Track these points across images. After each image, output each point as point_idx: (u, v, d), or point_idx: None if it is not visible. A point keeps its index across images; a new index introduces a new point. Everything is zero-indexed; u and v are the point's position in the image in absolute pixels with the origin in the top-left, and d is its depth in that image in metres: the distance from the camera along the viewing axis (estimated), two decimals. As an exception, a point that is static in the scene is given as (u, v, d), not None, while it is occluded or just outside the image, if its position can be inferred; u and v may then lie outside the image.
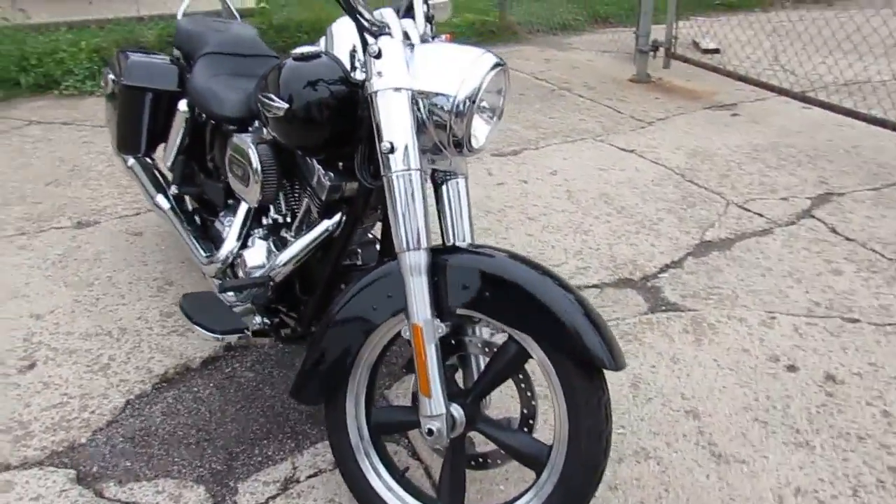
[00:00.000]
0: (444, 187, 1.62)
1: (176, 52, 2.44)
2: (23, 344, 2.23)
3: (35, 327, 2.31)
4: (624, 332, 2.27)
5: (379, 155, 1.41)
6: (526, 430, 1.51)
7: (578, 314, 1.37)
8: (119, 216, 3.04)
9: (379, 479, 1.58)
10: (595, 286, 2.54)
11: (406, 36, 1.52)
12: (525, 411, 1.52)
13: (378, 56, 1.41)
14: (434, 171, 1.61)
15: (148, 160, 2.50)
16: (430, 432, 1.41)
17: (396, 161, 1.39)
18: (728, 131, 4.03)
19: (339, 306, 1.54)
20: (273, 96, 1.60)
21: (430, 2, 1.79)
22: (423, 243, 1.41)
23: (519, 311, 1.40)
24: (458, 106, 1.39)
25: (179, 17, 2.53)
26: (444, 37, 1.84)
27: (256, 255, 1.90)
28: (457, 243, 1.59)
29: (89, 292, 2.50)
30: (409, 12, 1.70)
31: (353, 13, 1.43)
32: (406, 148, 1.40)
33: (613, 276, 2.60)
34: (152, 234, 2.85)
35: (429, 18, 1.80)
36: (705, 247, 2.80)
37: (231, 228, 1.98)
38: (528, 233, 2.90)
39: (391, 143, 1.39)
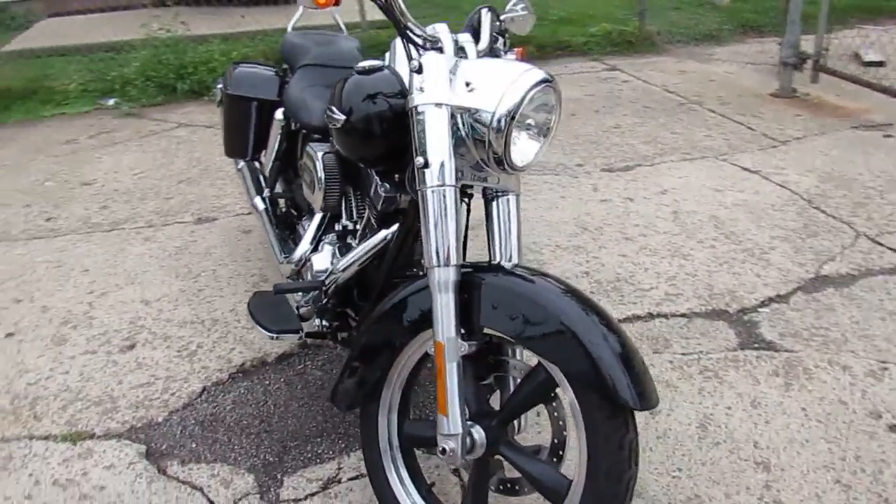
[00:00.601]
0: (493, 204, 1.59)
1: (285, 65, 2.59)
2: (129, 326, 2.45)
3: (142, 312, 2.53)
4: (704, 368, 2.11)
5: (415, 169, 1.42)
6: (555, 459, 1.45)
7: (606, 346, 1.30)
8: (235, 214, 3.26)
9: (404, 491, 1.59)
10: (683, 315, 2.38)
11: (463, 51, 1.53)
12: (556, 441, 1.46)
13: (419, 71, 1.41)
14: (485, 188, 1.59)
15: (255, 164, 2.67)
16: (444, 451, 1.39)
17: (430, 177, 1.39)
18: (875, 155, 3.64)
19: (375, 317, 1.56)
20: (335, 108, 1.66)
21: (508, 15, 1.77)
22: (453, 260, 1.39)
23: (546, 337, 1.34)
24: (497, 122, 1.36)
25: (289, 29, 2.68)
26: (516, 51, 1.82)
27: (323, 259, 1.97)
28: (501, 262, 1.56)
29: (194, 283, 2.70)
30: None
31: (400, 27, 1.45)
32: (441, 164, 1.39)
33: (706, 305, 2.43)
34: (258, 233, 3.04)
35: (501, 32, 1.78)
36: (820, 282, 2.54)
37: (307, 232, 2.07)
38: (622, 253, 2.77)
39: (425, 159, 1.39)
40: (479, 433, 1.43)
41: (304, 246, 2.06)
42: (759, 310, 2.40)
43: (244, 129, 2.50)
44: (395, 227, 1.75)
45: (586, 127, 4.18)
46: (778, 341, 2.23)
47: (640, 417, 1.90)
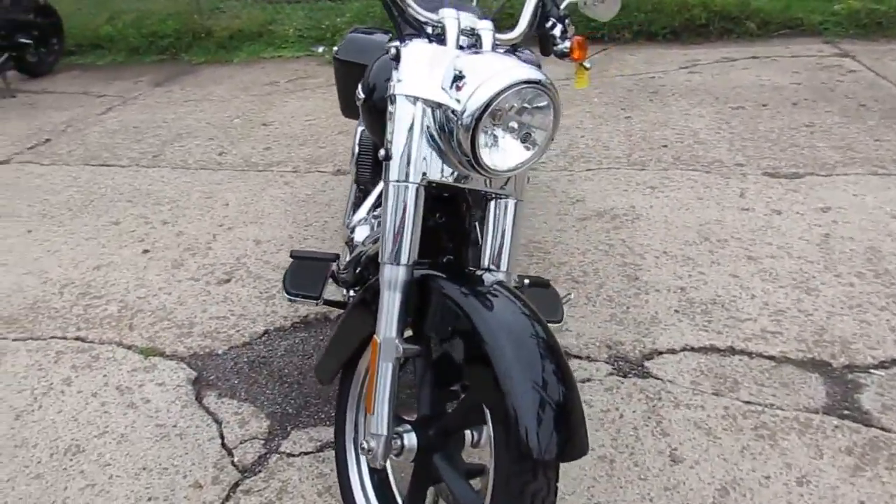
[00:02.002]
0: (489, 206, 1.50)
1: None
2: (234, 262, 2.71)
3: (250, 250, 2.79)
4: (761, 424, 1.82)
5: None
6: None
7: (530, 386, 1.19)
8: (370, 170, 3.41)
9: (357, 473, 1.60)
10: (771, 358, 2.05)
11: (479, 39, 1.43)
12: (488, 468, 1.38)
13: (396, 59, 1.36)
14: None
15: None
16: (364, 449, 1.38)
17: (392, 170, 1.35)
18: None
19: (356, 300, 1.57)
20: (360, 85, 1.66)
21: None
22: (403, 259, 1.35)
23: (472, 361, 1.26)
24: (464, 120, 1.27)
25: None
26: (573, 39, 1.68)
27: (362, 231, 2.00)
28: (487, 268, 1.47)
29: (303, 231, 2.90)
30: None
31: (391, 9, 1.40)
32: (403, 159, 1.34)
33: (805, 353, 2.07)
34: (378, 192, 3.15)
35: (560, 18, 1.65)
36: (976, 354, 2.04)
37: (364, 203, 2.11)
38: (735, 273, 2.44)
39: (388, 151, 1.34)
40: (410, 438, 1.39)
41: (359, 215, 2.10)
42: (872, 371, 1.99)
43: (348, 93, 2.58)
44: None
45: (772, 121, 3.68)
46: (875, 414, 1.84)
47: (657, 461, 1.72)
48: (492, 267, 1.47)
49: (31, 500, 1.73)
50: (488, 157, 1.31)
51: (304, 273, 2.03)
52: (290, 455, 1.84)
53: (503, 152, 1.33)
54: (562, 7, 1.66)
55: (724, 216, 2.81)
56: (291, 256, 1.94)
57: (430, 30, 1.43)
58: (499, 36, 1.47)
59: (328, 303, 2.01)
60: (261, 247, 2.81)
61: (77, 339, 2.33)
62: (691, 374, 2.01)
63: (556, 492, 1.26)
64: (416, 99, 1.33)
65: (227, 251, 2.79)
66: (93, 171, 3.66)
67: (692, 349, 2.11)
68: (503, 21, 1.74)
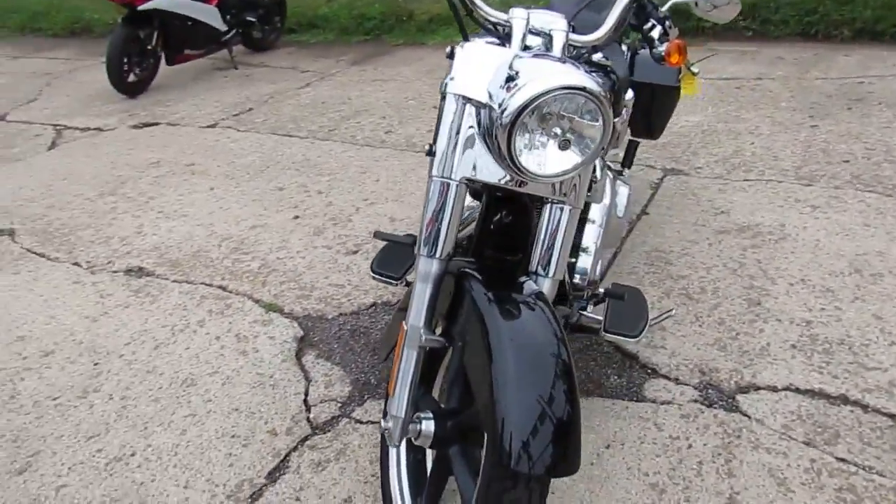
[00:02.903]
0: (543, 210, 1.48)
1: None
2: (365, 235, 2.90)
3: (383, 226, 2.95)
4: (848, 486, 1.61)
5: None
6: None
7: (525, 399, 1.19)
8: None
9: (396, 452, 1.67)
10: (889, 416, 1.79)
11: (550, 43, 1.41)
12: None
13: (450, 57, 1.38)
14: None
15: None
16: (383, 428, 1.44)
17: (434, 166, 1.38)
18: None
19: (410, 287, 1.63)
20: None
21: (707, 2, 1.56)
22: (438, 253, 1.39)
23: (478, 364, 1.28)
24: (502, 119, 1.27)
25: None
26: (671, 43, 1.60)
27: None
28: (535, 272, 1.46)
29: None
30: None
31: (455, 10, 1.42)
32: (446, 155, 1.37)
33: (938, 417, 1.77)
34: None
35: (661, 20, 1.58)
36: None
37: None
38: (878, 314, 2.14)
39: (431, 147, 1.38)
40: (428, 426, 1.43)
41: None
42: None
43: None
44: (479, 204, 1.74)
45: None
46: None
47: (711, 502, 1.60)
48: (540, 272, 1.46)
49: (146, 418, 2.04)
50: (529, 161, 1.30)
51: (394, 255, 2.13)
52: (358, 421, 1.97)
53: (545, 158, 1.31)
54: (664, 8, 1.57)
55: (891, 249, 2.45)
56: (375, 237, 2.04)
57: (500, 30, 1.44)
58: (576, 37, 1.44)
59: (409, 283, 2.09)
60: (394, 224, 2.97)
61: (220, 287, 2.65)
62: (785, 417, 1.82)
63: (543, 506, 1.24)
64: (463, 98, 1.36)
65: (364, 224, 2.99)
66: (276, 141, 4.07)
67: (796, 390, 1.91)
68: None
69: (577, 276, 1.94)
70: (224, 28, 5.44)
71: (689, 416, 1.86)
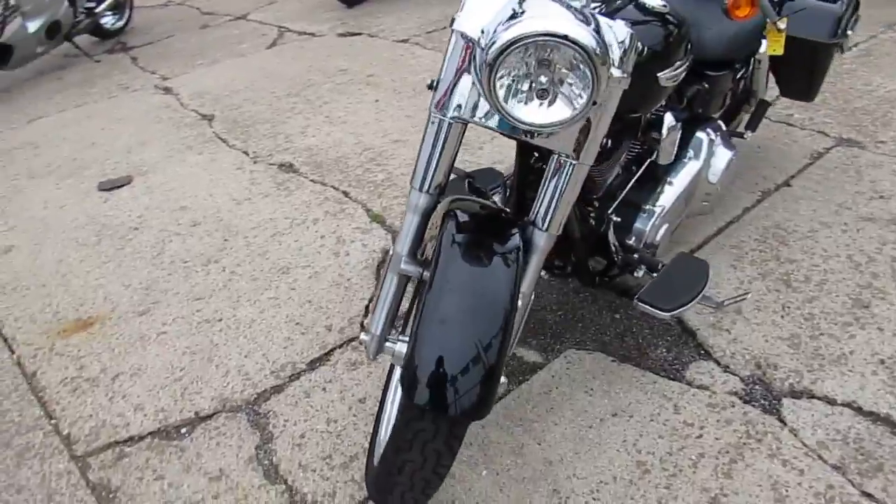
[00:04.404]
0: (550, 160, 1.44)
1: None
2: (488, 162, 2.94)
3: (507, 160, 2.96)
4: (856, 523, 1.42)
5: None
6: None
7: (445, 342, 1.26)
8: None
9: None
10: (958, 464, 1.51)
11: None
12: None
13: (458, 4, 1.37)
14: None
15: None
16: (360, 341, 1.56)
17: (432, 101, 1.40)
18: None
19: None
20: None
21: None
22: (424, 187, 1.44)
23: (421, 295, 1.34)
24: (487, 56, 1.24)
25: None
26: None
27: None
28: (533, 222, 1.44)
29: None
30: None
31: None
32: (442, 92, 1.39)
33: None
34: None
35: None
36: None
37: None
38: None
39: (433, 81, 1.40)
40: (401, 348, 1.52)
41: None
42: None
43: None
44: None
45: None
46: None
47: (691, 496, 1.51)
48: (538, 224, 1.44)
49: (241, 293, 2.36)
50: (515, 107, 1.28)
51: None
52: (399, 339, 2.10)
53: (530, 106, 1.28)
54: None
55: None
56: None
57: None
58: None
59: None
60: (520, 158, 2.96)
61: (343, 192, 2.89)
62: (827, 434, 1.62)
63: (449, 444, 1.29)
64: (465, 36, 1.35)
65: (491, 156, 3.02)
66: (454, 61, 4.16)
67: (858, 409, 1.67)
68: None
69: (633, 236, 1.85)
70: (444, -56, 5.55)
71: (717, 406, 1.73)
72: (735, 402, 1.74)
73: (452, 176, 2.07)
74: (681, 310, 1.73)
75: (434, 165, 1.43)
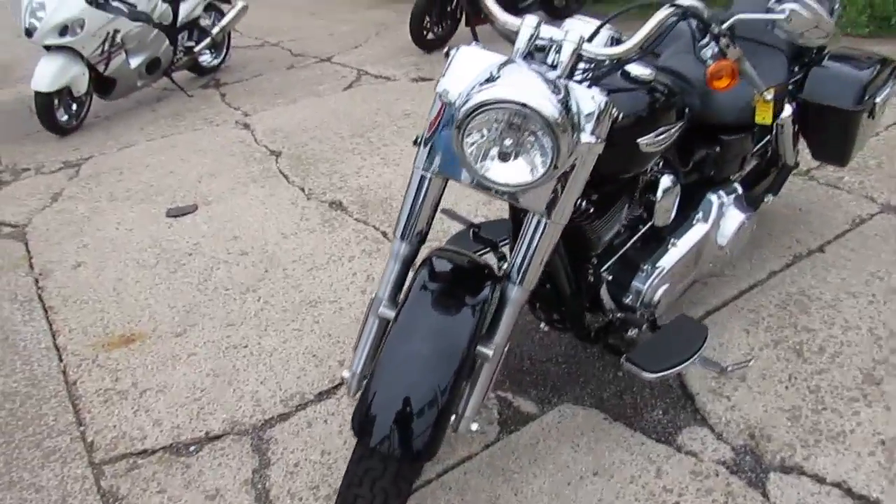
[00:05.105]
0: (527, 216, 1.49)
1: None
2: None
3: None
4: None
5: None
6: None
7: (396, 387, 1.34)
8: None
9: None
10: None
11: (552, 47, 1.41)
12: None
13: (447, 57, 1.47)
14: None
15: None
16: (342, 378, 1.64)
17: (417, 156, 1.50)
18: None
19: None
20: None
21: (750, 16, 1.43)
22: (406, 236, 1.55)
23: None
24: (456, 118, 1.33)
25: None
26: (715, 64, 1.47)
27: None
28: (508, 275, 1.50)
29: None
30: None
31: (467, 17, 1.48)
32: (424, 148, 1.48)
33: None
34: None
35: (716, 37, 1.45)
36: None
37: None
38: None
39: (417, 136, 1.50)
40: None
41: None
42: None
43: None
44: None
45: None
46: None
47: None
48: (513, 277, 1.50)
49: (270, 321, 2.51)
50: (484, 166, 1.35)
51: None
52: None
53: (500, 166, 1.35)
54: (725, 25, 1.42)
55: None
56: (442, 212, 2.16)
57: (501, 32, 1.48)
58: (593, 49, 1.41)
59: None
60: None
61: (382, 232, 3.01)
62: (809, 514, 1.57)
63: (398, 485, 1.35)
64: (446, 97, 1.44)
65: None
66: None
67: (846, 490, 1.62)
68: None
69: (630, 295, 1.86)
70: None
71: (701, 474, 1.70)
72: (720, 471, 1.70)
73: (459, 227, 2.15)
74: (667, 373, 1.72)
75: (415, 216, 1.52)
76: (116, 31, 4.57)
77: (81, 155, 4.34)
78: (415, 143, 1.52)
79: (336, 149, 3.99)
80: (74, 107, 4.70)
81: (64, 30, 4.33)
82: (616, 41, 1.48)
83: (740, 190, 2.04)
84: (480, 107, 1.28)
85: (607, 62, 1.45)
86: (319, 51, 6.15)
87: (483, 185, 1.42)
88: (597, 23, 1.49)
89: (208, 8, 5.45)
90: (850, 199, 2.73)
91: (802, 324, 2.13)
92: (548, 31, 1.43)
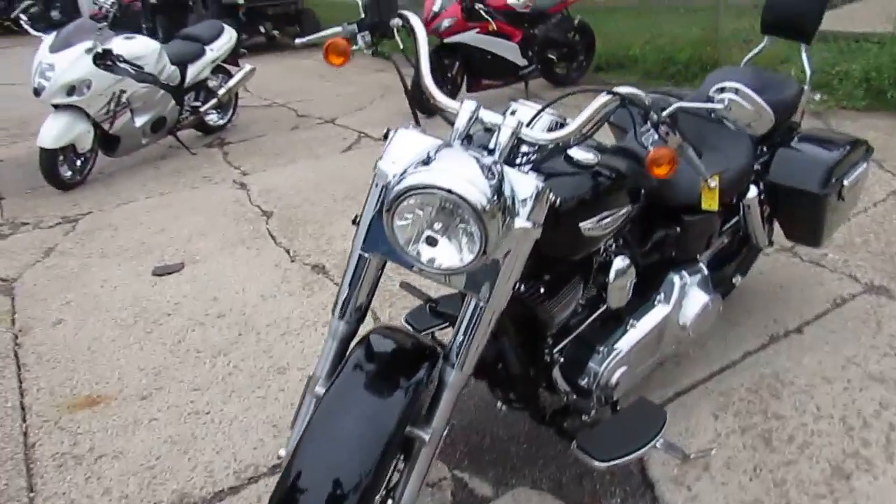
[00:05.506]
0: (466, 299, 1.47)
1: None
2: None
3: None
4: None
5: None
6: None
7: (319, 458, 1.31)
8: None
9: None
10: None
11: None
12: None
13: (385, 138, 1.47)
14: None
15: None
16: (278, 457, 1.60)
17: (355, 236, 1.49)
18: None
19: None
20: None
21: (698, 105, 1.42)
22: (344, 316, 1.53)
23: None
24: (386, 200, 1.32)
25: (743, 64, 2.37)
26: (653, 151, 1.45)
27: None
28: (448, 359, 1.47)
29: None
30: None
31: (409, 96, 1.50)
32: (360, 228, 1.48)
33: None
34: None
35: (656, 124, 1.45)
36: None
37: None
38: None
39: (357, 217, 1.49)
40: None
41: None
42: None
43: None
44: None
45: None
46: None
47: None
48: (452, 360, 1.47)
49: (236, 387, 2.47)
50: (415, 248, 1.34)
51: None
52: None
53: (429, 250, 1.34)
54: (666, 112, 1.42)
55: None
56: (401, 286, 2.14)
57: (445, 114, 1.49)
58: (532, 134, 1.41)
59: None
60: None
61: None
62: None
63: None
64: (381, 176, 1.44)
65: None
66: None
67: None
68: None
69: (585, 377, 1.81)
70: (523, 63, 5.81)
71: (650, 570, 1.62)
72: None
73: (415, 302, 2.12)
74: (619, 462, 1.66)
75: (354, 296, 1.51)
76: (123, 92, 4.70)
77: (80, 210, 4.41)
78: (353, 221, 1.52)
79: (327, 211, 4.01)
80: (79, 163, 4.80)
81: (71, 90, 4.46)
82: (560, 125, 1.48)
83: (705, 270, 2.00)
84: (409, 190, 1.27)
85: (549, 146, 1.45)
86: (324, 112, 6.28)
87: (419, 268, 1.40)
88: (522, 104, 1.49)
89: (216, 70, 5.60)
90: (832, 278, 2.67)
91: (773, 410, 2.05)
92: (487, 116, 1.44)
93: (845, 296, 2.57)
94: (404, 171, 1.33)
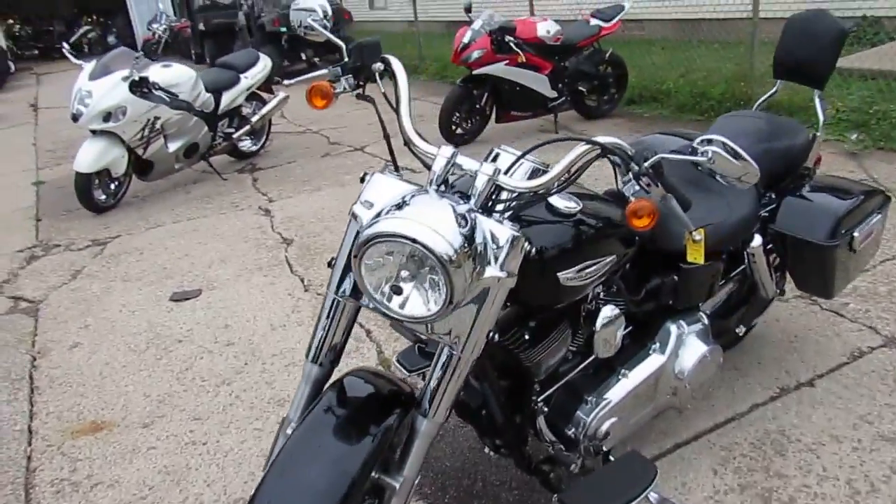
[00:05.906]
0: (439, 347, 1.45)
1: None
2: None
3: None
4: None
5: None
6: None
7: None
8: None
9: None
10: None
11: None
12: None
13: (362, 181, 1.47)
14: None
15: None
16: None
17: (330, 280, 1.49)
18: None
19: None
20: None
21: (675, 156, 1.39)
22: (318, 359, 1.52)
23: None
24: (355, 245, 1.31)
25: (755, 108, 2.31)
26: (633, 203, 1.42)
27: None
28: (422, 408, 1.45)
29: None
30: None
31: (386, 139, 1.50)
32: (336, 271, 1.47)
33: None
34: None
35: (637, 175, 1.41)
36: None
37: None
38: None
39: (332, 258, 1.49)
40: None
41: None
42: None
43: None
44: None
45: None
46: None
47: None
48: (424, 407, 1.45)
49: (235, 418, 2.48)
50: (385, 294, 1.33)
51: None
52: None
53: (397, 297, 1.32)
54: (647, 163, 1.38)
55: None
56: (391, 325, 2.12)
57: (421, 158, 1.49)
58: (508, 181, 1.39)
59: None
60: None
61: (367, 330, 2.99)
62: None
63: None
64: (356, 220, 1.43)
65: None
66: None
67: None
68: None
69: (572, 427, 1.76)
70: (552, 95, 5.79)
71: None
72: None
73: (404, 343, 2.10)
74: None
75: (327, 340, 1.50)
76: (157, 118, 4.84)
77: (110, 234, 4.53)
78: (328, 264, 1.51)
79: (346, 240, 4.03)
80: (113, 186, 4.95)
81: (107, 116, 4.61)
82: (541, 172, 1.46)
83: (705, 320, 1.94)
84: (376, 237, 1.26)
85: (529, 194, 1.42)
86: (355, 140, 6.36)
87: (387, 315, 1.39)
88: (505, 149, 1.48)
89: (250, 97, 5.73)
90: (851, 329, 2.56)
91: (776, 468, 1.96)
92: (464, 162, 1.43)
93: (864, 349, 2.45)
94: (377, 216, 1.32)
